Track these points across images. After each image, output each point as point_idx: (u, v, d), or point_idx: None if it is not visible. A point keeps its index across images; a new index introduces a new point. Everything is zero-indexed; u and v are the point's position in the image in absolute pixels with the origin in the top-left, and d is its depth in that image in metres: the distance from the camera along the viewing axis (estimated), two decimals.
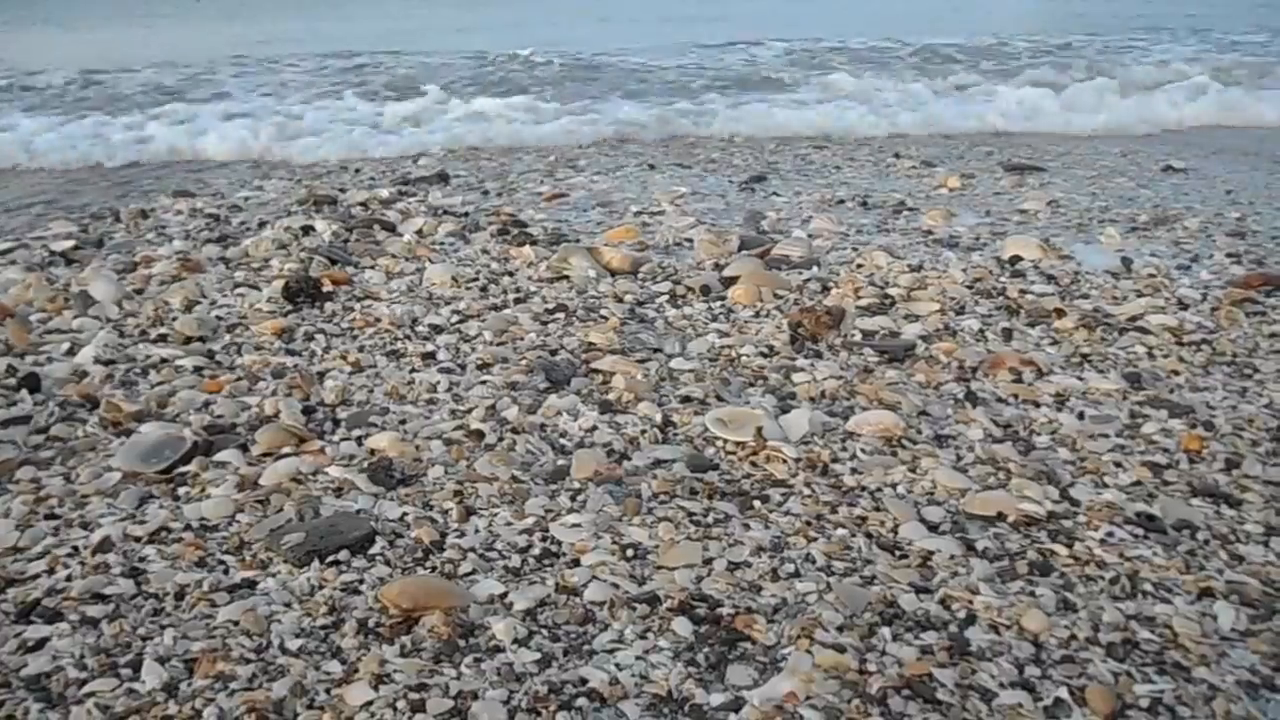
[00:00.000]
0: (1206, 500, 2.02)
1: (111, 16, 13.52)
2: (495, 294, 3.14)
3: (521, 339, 2.79)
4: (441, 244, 3.65)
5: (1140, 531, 1.90)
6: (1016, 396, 2.46)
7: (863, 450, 2.18)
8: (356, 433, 2.27)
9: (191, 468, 2.11)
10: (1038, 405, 2.42)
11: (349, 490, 2.03)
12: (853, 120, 6.36)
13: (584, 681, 1.51)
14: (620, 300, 3.10)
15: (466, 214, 4.09)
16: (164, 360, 2.65)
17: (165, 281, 3.24)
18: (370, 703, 1.46)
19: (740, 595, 1.71)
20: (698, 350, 2.72)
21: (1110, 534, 1.89)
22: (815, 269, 3.35)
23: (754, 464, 2.14)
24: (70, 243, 3.66)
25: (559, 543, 1.86)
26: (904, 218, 4.14)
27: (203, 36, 11.16)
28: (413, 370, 2.60)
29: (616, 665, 1.55)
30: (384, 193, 4.45)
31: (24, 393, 2.42)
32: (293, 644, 1.58)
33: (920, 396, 2.44)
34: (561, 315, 2.96)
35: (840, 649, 1.57)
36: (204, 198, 4.55)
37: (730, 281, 3.20)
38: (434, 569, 1.79)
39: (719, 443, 2.22)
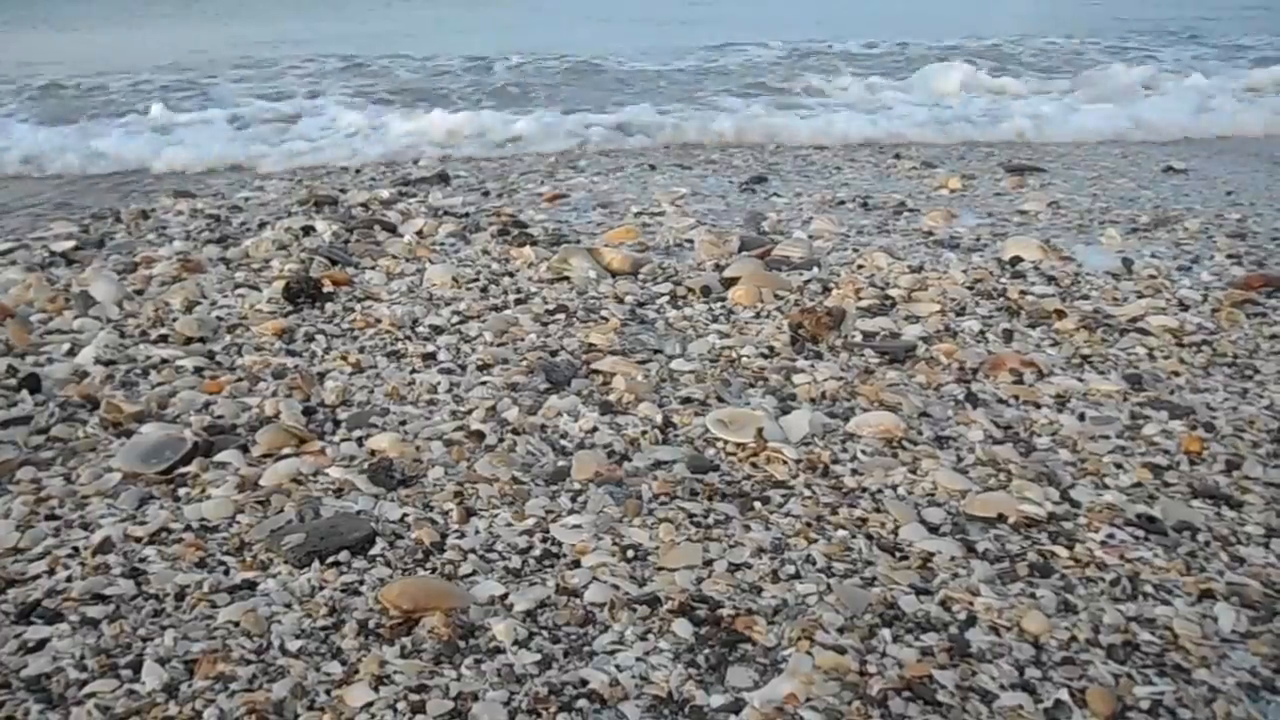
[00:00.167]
0: (1207, 502, 2.02)
1: (111, 17, 13.52)
2: (496, 295, 3.14)
3: (522, 340, 2.79)
4: (442, 244, 3.65)
5: (1141, 533, 1.90)
6: (1017, 398, 2.46)
7: (863, 451, 2.18)
8: (357, 433, 2.27)
9: (192, 468, 2.11)
10: (1038, 406, 2.42)
11: (349, 491, 2.03)
12: (857, 128, 6.19)
13: (584, 683, 1.51)
14: (621, 301, 3.10)
15: (467, 215, 4.09)
16: (164, 361, 2.65)
17: (166, 282, 3.24)
18: (370, 704, 1.46)
19: (741, 597, 1.71)
20: (698, 351, 2.72)
21: (1111, 535, 1.89)
22: (816, 270, 3.35)
23: (754, 465, 2.14)
24: (71, 243, 3.66)
25: (559, 544, 1.86)
26: (904, 219, 4.14)
27: (201, 38, 11.15)
28: (413, 371, 2.60)
29: (617, 666, 1.55)
30: (384, 193, 4.45)
31: (24, 393, 2.42)
32: (293, 645, 1.58)
33: (921, 398, 2.44)
34: (562, 316, 2.96)
35: (841, 650, 1.57)
36: (204, 198, 4.54)
37: (731, 282, 3.20)
38: (434, 570, 1.79)
39: (719, 444, 2.22)
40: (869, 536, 1.89)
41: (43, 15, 13.42)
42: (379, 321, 2.90)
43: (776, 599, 1.70)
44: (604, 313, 2.99)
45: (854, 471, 2.11)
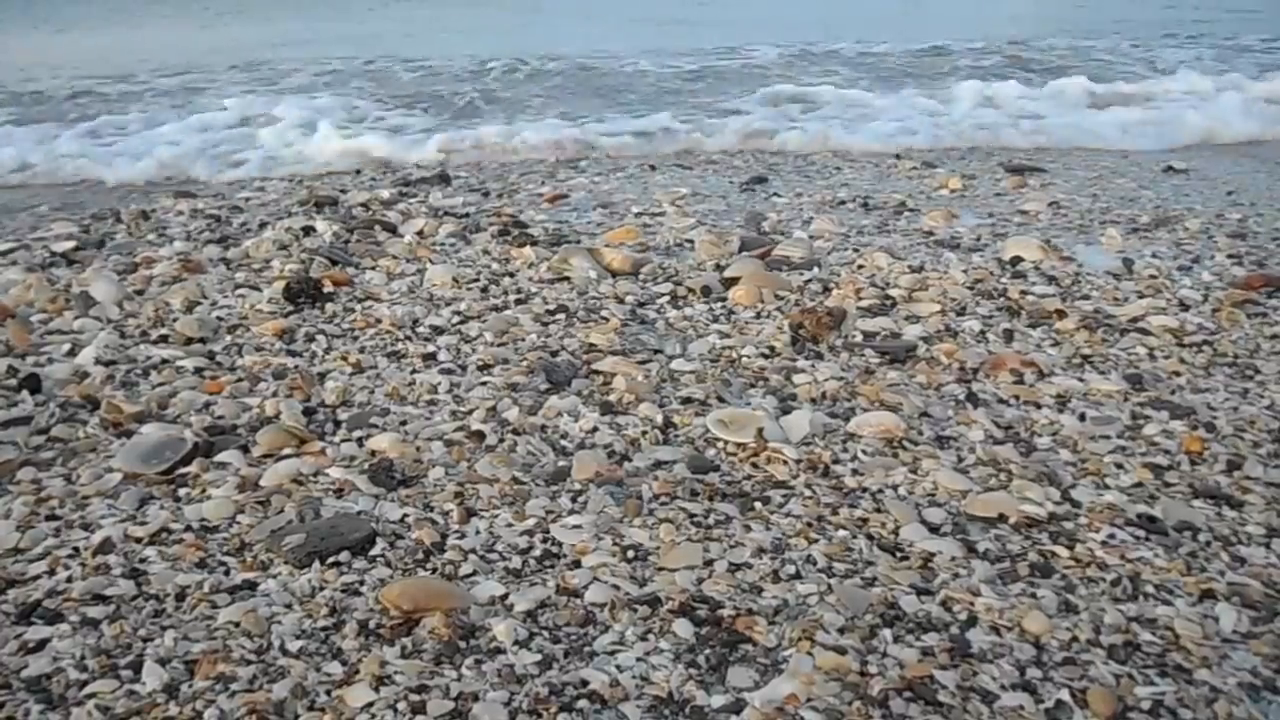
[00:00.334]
0: (1208, 502, 2.02)
1: (109, 17, 13.51)
2: (496, 295, 3.14)
3: (522, 340, 2.79)
4: (442, 245, 3.65)
5: (1142, 533, 1.90)
6: (1018, 398, 2.46)
7: (864, 451, 2.18)
8: (357, 434, 2.27)
9: (192, 469, 2.11)
10: (1039, 406, 2.42)
11: (350, 491, 2.03)
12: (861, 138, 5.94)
13: (585, 683, 1.51)
14: (621, 301, 3.10)
15: (467, 215, 4.09)
16: (165, 361, 2.65)
17: (166, 282, 3.24)
18: (371, 704, 1.46)
19: (741, 597, 1.71)
20: (698, 351, 2.72)
21: (1112, 536, 1.89)
22: (816, 270, 3.35)
23: (755, 465, 2.14)
24: (71, 243, 3.66)
25: (560, 544, 1.86)
26: (905, 219, 4.14)
27: (198, 39, 11.14)
28: (413, 371, 2.60)
29: (617, 667, 1.55)
30: (385, 193, 4.44)
31: (25, 393, 2.42)
32: (293, 645, 1.58)
33: (921, 398, 2.44)
34: (562, 316, 2.96)
35: (841, 651, 1.57)
36: (205, 198, 4.54)
37: (731, 282, 3.20)
38: (435, 570, 1.79)
39: (720, 444, 2.22)
40: (870, 537, 1.89)
41: (44, 15, 13.42)
42: (379, 322, 2.90)
43: (777, 599, 1.70)
44: (604, 313, 2.98)
45: (854, 471, 2.11)
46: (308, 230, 3.76)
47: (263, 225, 3.97)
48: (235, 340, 2.82)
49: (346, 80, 8.14)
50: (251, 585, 1.74)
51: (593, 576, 1.76)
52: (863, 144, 5.74)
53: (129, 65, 8.69)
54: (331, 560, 1.79)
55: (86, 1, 14.83)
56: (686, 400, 2.42)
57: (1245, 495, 2.05)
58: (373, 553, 1.82)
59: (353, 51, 9.56)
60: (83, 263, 3.49)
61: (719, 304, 3.09)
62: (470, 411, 2.36)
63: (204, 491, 2.04)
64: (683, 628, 1.63)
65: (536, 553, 1.84)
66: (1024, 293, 3.12)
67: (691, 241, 3.68)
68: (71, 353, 2.72)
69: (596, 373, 2.56)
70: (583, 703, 1.48)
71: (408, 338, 2.81)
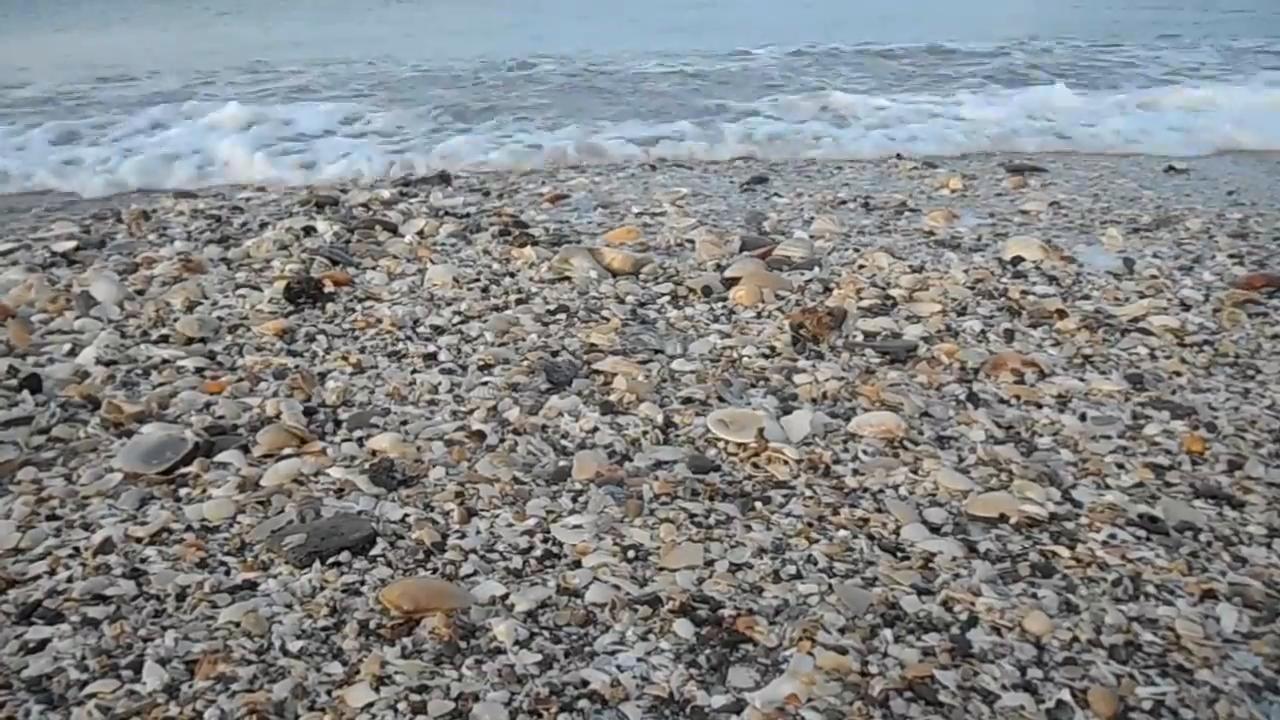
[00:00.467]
0: (1209, 502, 2.02)
1: (106, 17, 13.50)
2: (497, 295, 3.14)
3: (523, 340, 2.79)
4: (443, 245, 3.65)
5: (1142, 533, 1.90)
6: (1018, 398, 2.46)
7: (864, 451, 2.18)
8: (358, 434, 2.27)
9: (193, 469, 2.11)
10: (1040, 406, 2.42)
11: (350, 491, 2.03)
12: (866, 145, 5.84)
13: (585, 683, 1.51)
14: (622, 301, 3.10)
15: (468, 215, 4.09)
16: (165, 361, 2.65)
17: (167, 282, 3.24)
18: (371, 704, 1.46)
19: (742, 597, 1.71)
20: (699, 351, 2.72)
21: (1112, 536, 1.89)
22: (817, 270, 3.35)
23: (755, 465, 2.14)
24: (72, 243, 3.66)
25: (560, 544, 1.86)
26: (905, 219, 4.14)
27: (196, 40, 11.13)
28: (414, 371, 2.60)
29: (618, 667, 1.55)
30: (385, 194, 4.45)
31: (25, 393, 2.42)
32: (294, 645, 1.58)
33: (922, 398, 2.44)
34: (563, 316, 2.96)
35: (842, 651, 1.57)
36: (205, 198, 4.55)
37: (732, 282, 3.20)
38: (435, 570, 1.78)
39: (720, 444, 2.22)
40: (870, 537, 1.89)
41: (43, 18, 13.41)
42: (380, 322, 2.90)
43: (778, 599, 1.70)
44: (605, 313, 2.98)
45: (855, 472, 2.11)
46: (308, 230, 3.76)
47: (263, 225, 3.97)
48: (236, 340, 2.82)
49: (345, 83, 8.10)
50: (252, 585, 1.74)
51: (593, 576, 1.76)
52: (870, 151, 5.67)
53: (125, 67, 8.66)
54: (332, 560, 1.79)
55: (87, 1, 14.83)
56: (687, 400, 2.42)
57: (1246, 495, 2.04)
58: (373, 553, 1.82)
59: (352, 53, 9.54)
60: (83, 263, 3.49)
61: (720, 304, 3.09)
62: (471, 411, 2.36)
63: (204, 491, 2.04)
64: (683, 628, 1.63)
65: (537, 553, 1.84)
66: (1025, 293, 3.12)
67: (692, 241, 3.68)
68: (72, 353, 2.72)
69: (597, 373, 2.56)
70: (583, 703, 1.48)
71: (408, 338, 2.81)
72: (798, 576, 1.77)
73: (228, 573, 1.78)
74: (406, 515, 1.94)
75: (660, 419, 2.31)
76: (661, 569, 1.79)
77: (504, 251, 3.54)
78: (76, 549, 1.83)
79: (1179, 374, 2.60)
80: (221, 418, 2.33)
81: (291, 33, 11.58)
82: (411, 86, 7.89)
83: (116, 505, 1.98)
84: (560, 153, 5.51)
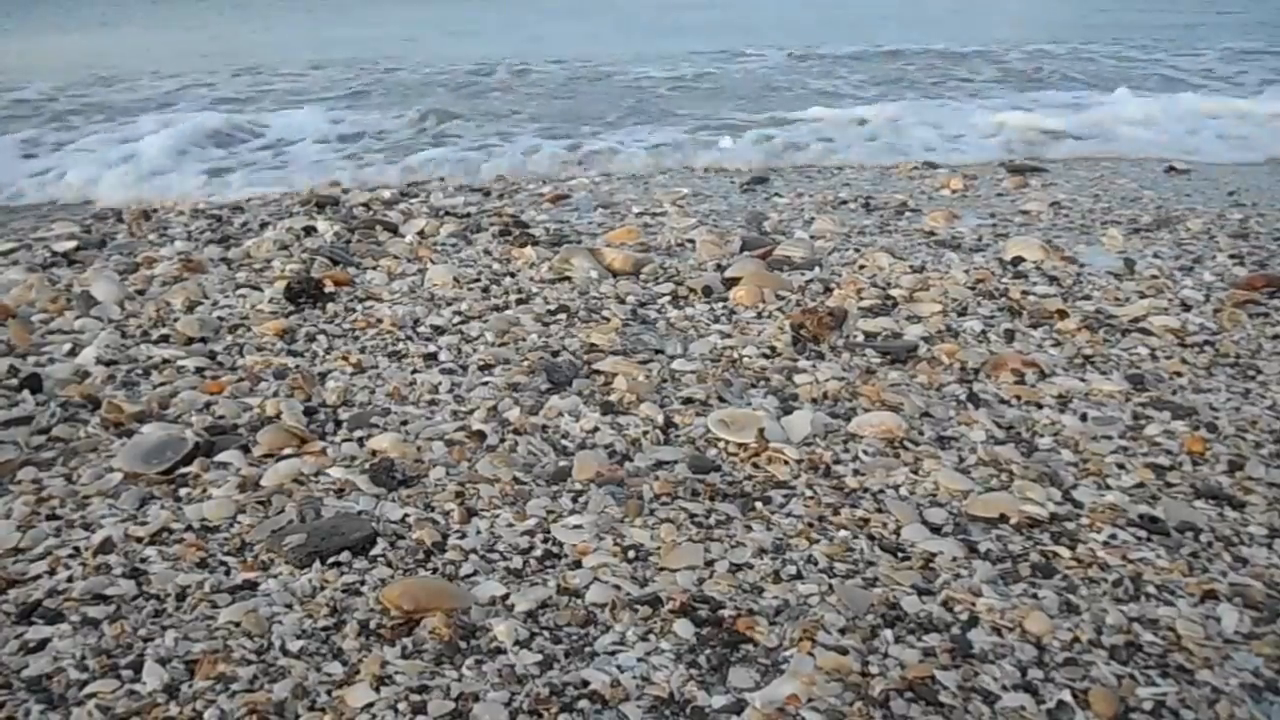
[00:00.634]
0: (1209, 502, 2.02)
1: (105, 18, 13.49)
2: (497, 295, 3.14)
3: (523, 340, 2.79)
4: (443, 245, 3.65)
5: (1143, 534, 1.90)
6: (1019, 398, 2.46)
7: (865, 452, 2.18)
8: (358, 434, 2.27)
9: (193, 469, 2.11)
10: (1040, 407, 2.42)
11: (350, 491, 2.03)
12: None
13: (585, 683, 1.51)
14: (622, 301, 3.10)
15: (468, 215, 4.09)
16: (165, 361, 2.65)
17: (167, 282, 3.25)
18: (371, 704, 1.46)
19: (742, 597, 1.71)
20: (699, 351, 2.71)
21: (1113, 536, 1.89)
22: (817, 270, 3.35)
23: (756, 465, 2.14)
24: (72, 243, 3.66)
25: (560, 544, 1.86)
26: (906, 219, 4.14)
27: (191, 41, 11.10)
28: (414, 371, 2.60)
29: (618, 667, 1.54)
30: (386, 193, 4.45)
31: (26, 393, 2.42)
32: (294, 645, 1.58)
33: (922, 398, 2.44)
34: (563, 316, 2.96)
35: (842, 651, 1.57)
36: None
37: (732, 282, 3.20)
38: (435, 570, 1.78)
39: (721, 444, 2.22)
40: (871, 537, 1.89)
41: (41, 18, 13.40)
42: (380, 322, 2.90)
43: (778, 599, 1.70)
44: (605, 313, 2.98)
45: (856, 472, 2.11)
46: (309, 230, 3.76)
47: (264, 225, 3.97)
48: (236, 340, 2.82)
49: (344, 87, 8.03)
50: (252, 585, 1.74)
51: (593, 577, 1.76)
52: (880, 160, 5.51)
53: (122, 69, 8.62)
54: (332, 560, 1.79)
55: (87, 2, 14.82)
56: (687, 400, 2.42)
57: (1247, 496, 2.04)
58: (373, 553, 1.82)
59: (352, 55, 9.52)
60: (84, 263, 3.49)
61: (720, 304, 3.09)
62: (471, 411, 2.36)
63: (205, 491, 2.03)
64: (684, 628, 1.63)
65: (537, 553, 1.84)
66: (1025, 293, 3.12)
67: (693, 241, 3.68)
68: (72, 352, 2.72)
69: (597, 373, 2.56)
70: (583, 703, 1.47)
71: (409, 338, 2.81)
72: (798, 577, 1.76)
73: (228, 573, 1.78)
74: (407, 515, 1.94)
75: (660, 419, 2.31)
76: (662, 569, 1.78)
77: (504, 251, 3.54)
78: (76, 549, 1.83)
79: (1180, 374, 2.60)
80: (222, 418, 2.33)
81: (289, 34, 11.57)
82: (404, 92, 7.76)
83: (117, 505, 1.98)
84: (557, 161, 5.36)
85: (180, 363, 2.63)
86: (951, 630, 1.64)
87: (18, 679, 1.51)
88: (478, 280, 3.26)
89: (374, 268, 3.39)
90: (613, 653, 1.58)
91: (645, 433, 2.25)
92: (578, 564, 1.80)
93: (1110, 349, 2.75)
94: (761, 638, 1.61)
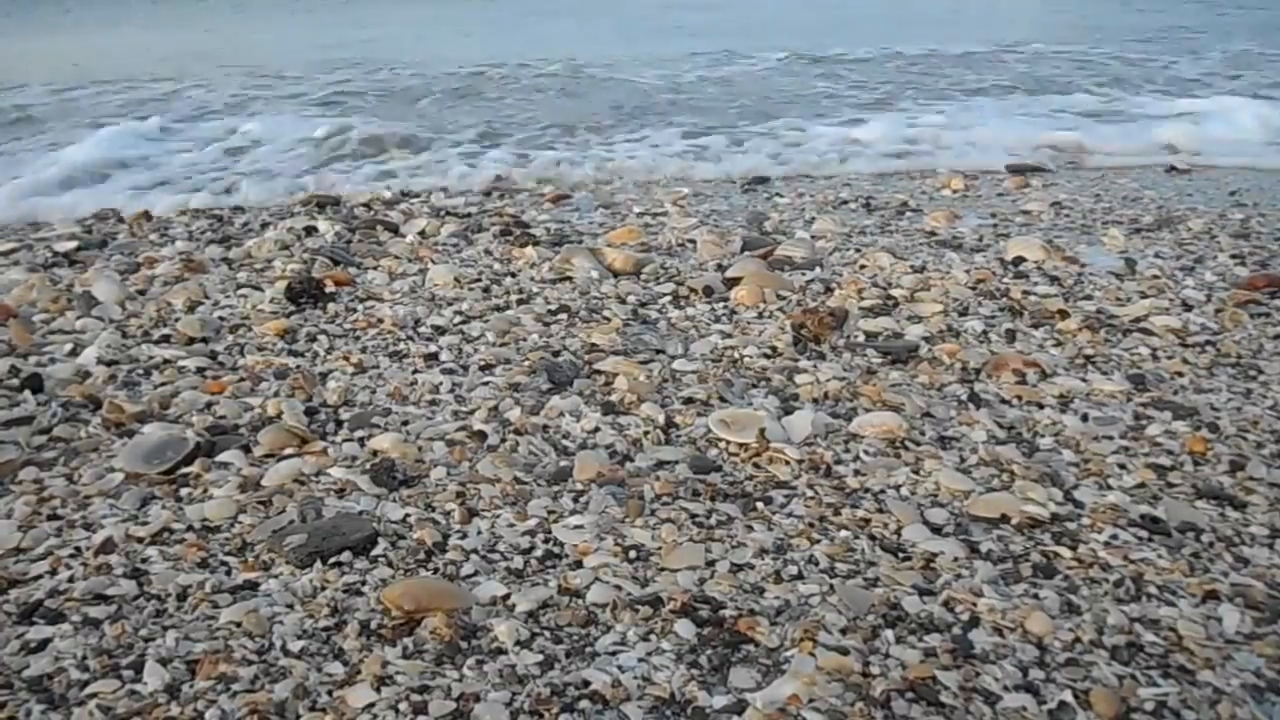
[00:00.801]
0: (1211, 502, 2.01)
1: (103, 19, 13.47)
2: (498, 295, 3.14)
3: (524, 340, 2.79)
4: (444, 245, 3.65)
5: (1144, 534, 1.90)
6: (1020, 398, 2.46)
7: (866, 452, 2.18)
8: (359, 434, 2.27)
9: (194, 469, 2.11)
10: (1041, 407, 2.42)
11: (351, 491, 2.03)
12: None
13: (586, 683, 1.51)
14: (623, 301, 3.10)
15: (469, 215, 4.09)
16: (166, 361, 2.65)
17: (168, 282, 3.25)
18: (372, 704, 1.46)
19: (743, 597, 1.71)
20: (700, 351, 2.71)
21: (1114, 536, 1.89)
22: (818, 270, 3.35)
23: (757, 465, 2.14)
24: (73, 244, 3.66)
25: (561, 544, 1.86)
26: (907, 219, 4.14)
27: (188, 41, 11.06)
28: (415, 371, 2.60)
29: (619, 667, 1.54)
30: (386, 193, 4.45)
31: (27, 393, 2.42)
32: (295, 645, 1.58)
33: (923, 398, 2.44)
34: (564, 316, 2.96)
35: (843, 651, 1.57)
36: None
37: (733, 282, 3.19)
38: (436, 570, 1.78)
39: (722, 444, 2.22)
40: (872, 537, 1.89)
41: (41, 19, 13.40)
42: (381, 322, 2.90)
43: (779, 600, 1.70)
44: (606, 313, 2.98)
45: (856, 472, 2.11)
46: (310, 230, 3.77)
47: (265, 225, 3.97)
48: (237, 340, 2.82)
49: (343, 91, 7.94)
50: (253, 585, 1.74)
51: (594, 577, 1.76)
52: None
53: (123, 69, 8.58)
54: (333, 560, 1.79)
55: (88, 5, 14.81)
56: (688, 400, 2.42)
57: (1248, 496, 2.04)
58: (374, 553, 1.82)
59: (351, 56, 9.49)
60: (85, 263, 3.49)
61: (721, 304, 3.09)
62: (472, 411, 2.36)
63: (205, 491, 2.03)
64: (684, 628, 1.63)
65: (538, 553, 1.84)
66: (1026, 293, 3.12)
67: (693, 241, 3.68)
68: (73, 353, 2.72)
69: (598, 373, 2.56)
70: (584, 703, 1.47)
71: (409, 338, 2.81)
72: (799, 577, 1.76)
73: (229, 573, 1.78)
74: (407, 515, 1.94)
75: (661, 419, 2.31)
76: (663, 569, 1.78)
77: (505, 251, 3.54)
78: (78, 549, 1.83)
79: (1181, 374, 2.59)
80: (223, 418, 2.33)
81: (290, 35, 11.56)
82: (402, 97, 7.67)
83: (118, 505, 1.98)
84: (556, 165, 5.23)
85: (181, 363, 2.63)
86: (953, 630, 1.63)
87: (19, 679, 1.51)
88: (479, 280, 3.26)
89: (375, 268, 3.39)
90: (614, 653, 1.58)
91: (646, 433, 2.25)
92: (579, 564, 1.80)
93: (1111, 349, 2.74)
94: (762, 638, 1.61)
